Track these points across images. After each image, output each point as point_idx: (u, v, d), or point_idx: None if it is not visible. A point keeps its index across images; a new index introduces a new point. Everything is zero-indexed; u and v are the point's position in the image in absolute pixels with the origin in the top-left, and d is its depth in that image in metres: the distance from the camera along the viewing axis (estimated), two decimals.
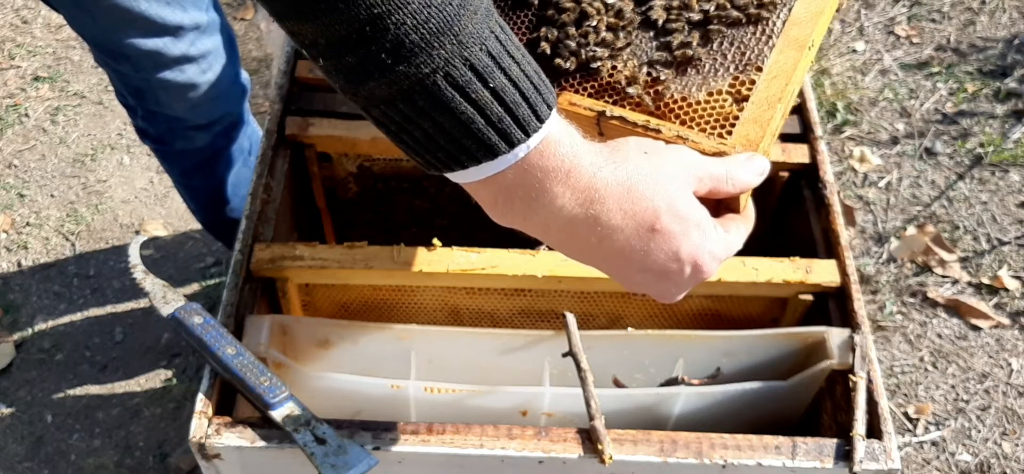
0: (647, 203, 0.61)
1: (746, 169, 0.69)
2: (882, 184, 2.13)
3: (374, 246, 1.04)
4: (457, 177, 0.60)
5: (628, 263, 0.64)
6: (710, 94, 0.75)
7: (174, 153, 1.48)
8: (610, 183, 0.61)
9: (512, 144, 0.58)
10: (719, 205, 0.70)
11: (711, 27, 0.79)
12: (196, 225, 2.04)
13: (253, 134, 1.55)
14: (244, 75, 1.46)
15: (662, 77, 0.77)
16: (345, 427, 0.88)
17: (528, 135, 0.58)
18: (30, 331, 1.86)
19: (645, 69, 0.78)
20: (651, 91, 0.77)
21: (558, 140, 0.59)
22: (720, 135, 0.73)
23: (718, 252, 0.66)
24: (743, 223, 0.70)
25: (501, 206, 0.61)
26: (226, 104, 1.43)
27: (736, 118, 0.73)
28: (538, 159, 0.59)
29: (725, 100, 0.75)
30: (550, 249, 1.05)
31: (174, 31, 1.25)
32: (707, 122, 0.74)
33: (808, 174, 1.19)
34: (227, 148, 1.50)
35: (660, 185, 0.62)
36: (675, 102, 0.76)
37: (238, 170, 1.54)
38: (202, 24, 1.29)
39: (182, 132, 1.43)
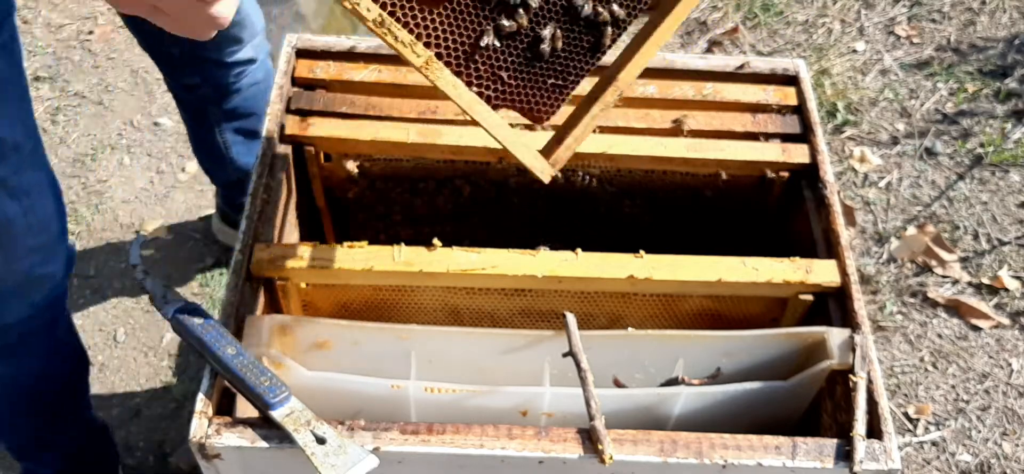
0: None
1: None
2: (882, 184, 2.13)
3: (374, 246, 1.04)
4: None
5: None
6: None
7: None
8: None
9: None
10: None
11: None
12: (196, 225, 2.04)
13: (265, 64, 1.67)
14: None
15: None
16: (345, 427, 0.88)
17: None
18: None
19: None
20: None
21: None
22: None
23: None
24: None
25: None
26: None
27: None
28: None
29: None
30: (550, 249, 1.05)
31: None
32: None
33: (808, 174, 1.19)
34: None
35: None
36: None
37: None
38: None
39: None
